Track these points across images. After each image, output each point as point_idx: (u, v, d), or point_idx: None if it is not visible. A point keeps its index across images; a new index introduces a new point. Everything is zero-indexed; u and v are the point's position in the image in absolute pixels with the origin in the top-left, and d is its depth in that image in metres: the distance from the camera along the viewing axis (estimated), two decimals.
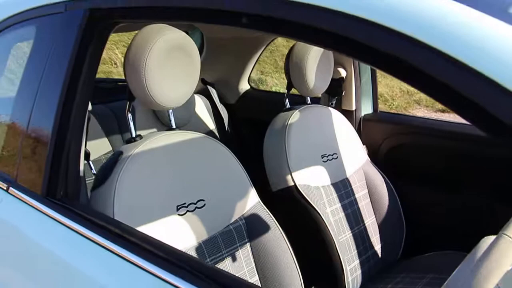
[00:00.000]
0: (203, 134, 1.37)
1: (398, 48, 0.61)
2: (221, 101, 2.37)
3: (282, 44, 8.85)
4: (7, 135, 1.16)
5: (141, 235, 0.88)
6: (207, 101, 2.29)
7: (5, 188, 1.08)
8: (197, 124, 2.16)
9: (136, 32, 1.17)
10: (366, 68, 2.00)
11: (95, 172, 1.49)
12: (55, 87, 1.04)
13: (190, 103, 2.14)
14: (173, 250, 0.85)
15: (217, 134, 2.29)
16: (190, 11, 0.86)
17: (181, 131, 1.34)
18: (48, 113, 1.04)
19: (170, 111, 1.39)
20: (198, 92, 2.33)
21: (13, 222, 1.04)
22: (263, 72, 8.70)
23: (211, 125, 2.26)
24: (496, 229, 0.61)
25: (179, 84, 1.22)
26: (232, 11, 0.76)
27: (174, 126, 1.38)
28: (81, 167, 1.07)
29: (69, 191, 1.02)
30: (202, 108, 2.25)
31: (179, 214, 1.21)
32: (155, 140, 1.24)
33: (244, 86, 2.50)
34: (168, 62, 1.17)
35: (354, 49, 0.66)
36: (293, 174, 1.61)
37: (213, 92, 2.34)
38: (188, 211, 1.23)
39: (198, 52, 1.27)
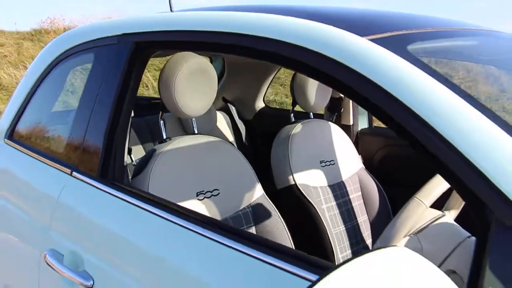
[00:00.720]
0: (220, 139, 1.73)
1: (305, 58, 0.98)
2: (239, 117, 2.73)
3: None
4: (70, 135, 1.53)
5: (175, 205, 1.22)
6: (227, 117, 2.65)
7: (69, 173, 1.45)
8: (218, 136, 2.52)
9: (167, 57, 1.55)
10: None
11: (135, 163, 1.85)
12: (108, 100, 1.41)
13: (212, 117, 2.50)
14: (206, 217, 1.18)
15: (235, 145, 2.64)
16: (204, 44, 1.23)
17: (202, 135, 1.70)
18: (103, 119, 1.41)
19: (193, 119, 1.75)
20: (219, 109, 2.69)
21: (75, 197, 1.40)
22: (277, 93, 9.03)
23: (230, 138, 2.61)
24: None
25: (200, 98, 1.58)
26: (226, 44, 1.14)
27: (196, 132, 1.74)
28: (125, 159, 1.43)
29: (117, 175, 1.38)
30: (222, 123, 2.60)
31: (198, 199, 1.55)
32: (181, 141, 1.60)
33: (259, 104, 2.86)
34: (191, 82, 1.54)
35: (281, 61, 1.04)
36: (294, 175, 1.94)
37: (233, 109, 2.71)
38: (205, 197, 1.57)
39: (215, 73, 1.64)
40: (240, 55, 1.14)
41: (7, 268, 1.64)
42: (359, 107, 2.35)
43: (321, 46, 0.97)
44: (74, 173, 1.43)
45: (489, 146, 0.77)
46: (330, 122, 2.22)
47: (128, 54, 1.40)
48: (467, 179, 0.77)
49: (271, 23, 1.08)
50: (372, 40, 0.95)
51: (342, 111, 2.34)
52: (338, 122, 2.36)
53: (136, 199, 1.26)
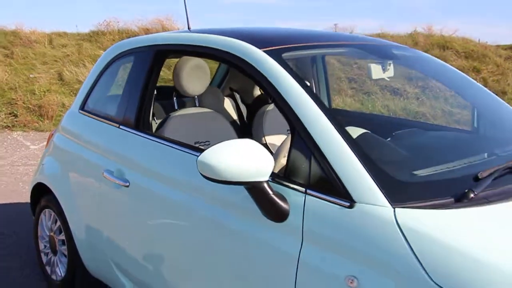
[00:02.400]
0: (213, 111, 2.70)
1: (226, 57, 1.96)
2: (242, 102, 3.69)
3: None
4: (118, 106, 2.54)
5: (182, 143, 2.18)
6: (233, 101, 3.61)
7: (117, 126, 2.47)
8: (226, 115, 3.49)
9: (177, 59, 2.55)
10: (322, 80, 3.24)
11: (157, 122, 2.82)
12: (140, 84, 2.41)
13: (220, 101, 3.46)
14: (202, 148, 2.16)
15: (238, 122, 3.60)
16: (186, 52, 2.24)
17: (201, 108, 2.68)
18: (136, 96, 2.41)
19: (196, 97, 2.73)
20: (227, 95, 3.66)
21: (120, 139, 2.42)
22: None
23: (234, 116, 3.58)
24: None
25: (197, 83, 2.57)
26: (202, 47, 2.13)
27: (197, 105, 2.73)
28: (150, 119, 2.42)
29: (145, 127, 2.36)
30: (229, 106, 3.57)
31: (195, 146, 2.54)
32: (186, 111, 2.59)
33: (257, 92, 3.80)
34: (191, 73, 2.53)
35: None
36: (265, 137, 2.90)
37: (237, 96, 3.67)
38: (200, 145, 2.55)
39: (208, 69, 2.62)
40: (198, 57, 2.15)
41: (84, 188, 2.68)
42: (321, 94, 3.26)
43: (231, 49, 1.95)
44: (121, 126, 2.45)
45: (312, 111, 1.68)
46: None
47: (152, 57, 2.40)
48: (297, 125, 1.69)
49: (213, 39, 2.09)
50: (264, 50, 1.90)
51: None
52: None
53: (157, 140, 2.24)
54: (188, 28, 2.66)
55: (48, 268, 3.08)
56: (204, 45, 2.14)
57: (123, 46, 2.70)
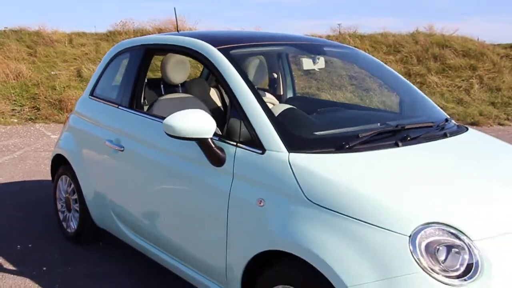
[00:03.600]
0: (193, 96, 3.40)
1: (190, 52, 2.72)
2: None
3: None
4: (118, 92, 3.27)
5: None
6: (218, 92, 4.33)
7: (116, 107, 3.21)
8: (211, 102, 4.19)
9: (163, 56, 3.28)
10: (287, 73, 3.93)
11: (147, 104, 3.53)
12: (133, 74, 3.15)
13: (206, 90, 4.17)
14: None
15: (222, 109, 4.31)
16: (164, 50, 2.98)
17: (183, 94, 3.39)
18: (131, 84, 3.15)
19: (179, 85, 3.44)
20: (213, 86, 4.37)
21: (118, 117, 3.15)
22: None
23: (218, 104, 4.29)
24: None
25: (178, 74, 3.28)
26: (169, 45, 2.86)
27: (180, 91, 3.44)
28: (141, 102, 3.15)
29: (137, 107, 3.10)
30: (214, 95, 4.28)
31: None
32: (169, 96, 3.31)
33: None
34: (174, 66, 3.25)
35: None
36: None
37: (221, 87, 4.38)
38: None
39: (188, 62, 3.33)
40: (174, 53, 2.89)
41: (92, 156, 3.42)
42: (287, 84, 3.95)
43: (189, 47, 2.67)
44: (120, 107, 3.18)
45: (244, 90, 2.39)
46: (267, 93, 3.84)
47: (143, 54, 3.14)
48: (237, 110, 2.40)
49: (183, 40, 2.82)
50: (218, 48, 2.60)
51: (276, 86, 3.95)
52: (275, 92, 3.96)
53: (145, 116, 2.97)
54: (177, 31, 3.38)
55: (64, 224, 3.84)
56: (177, 44, 2.88)
57: (122, 45, 3.45)
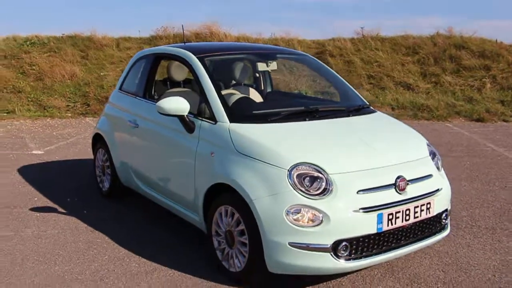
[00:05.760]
0: (191, 90, 4.68)
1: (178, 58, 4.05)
2: None
3: None
4: (136, 86, 4.61)
5: None
6: None
7: (134, 97, 4.54)
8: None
9: (167, 62, 4.60)
10: (267, 74, 5.14)
11: (157, 96, 4.84)
12: (146, 75, 4.47)
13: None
14: None
15: None
16: (169, 57, 4.28)
17: (184, 88, 4.68)
18: (144, 81, 4.47)
19: (181, 81, 4.74)
20: None
21: (138, 103, 4.47)
22: None
23: None
24: None
25: (179, 73, 4.58)
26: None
27: (182, 87, 4.74)
28: (152, 93, 4.47)
29: (149, 97, 4.42)
30: None
31: None
32: (175, 89, 4.59)
33: None
34: (176, 68, 4.54)
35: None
36: None
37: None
38: None
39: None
40: (171, 60, 4.18)
41: (119, 133, 4.77)
42: (268, 81, 5.16)
43: (179, 55, 3.98)
44: (137, 97, 4.52)
45: (208, 83, 3.65)
46: (251, 88, 5.07)
47: (153, 60, 4.46)
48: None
49: (174, 50, 4.16)
50: (197, 57, 3.87)
51: (258, 83, 5.16)
52: (258, 87, 5.17)
53: (153, 103, 4.28)
54: (184, 43, 4.67)
55: (100, 184, 5.23)
56: (172, 53, 4.18)
57: (140, 54, 4.80)
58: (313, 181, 2.95)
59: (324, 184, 2.95)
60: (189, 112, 3.56)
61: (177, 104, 3.50)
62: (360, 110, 3.91)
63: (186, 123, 3.57)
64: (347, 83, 4.37)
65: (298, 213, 2.88)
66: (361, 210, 2.92)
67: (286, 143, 3.18)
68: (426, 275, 3.36)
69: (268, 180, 2.99)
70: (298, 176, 2.95)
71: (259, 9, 32.74)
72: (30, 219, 4.51)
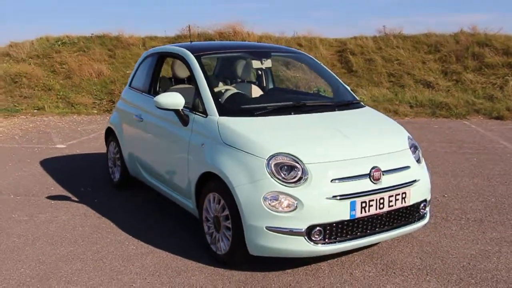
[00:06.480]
0: (192, 86, 4.96)
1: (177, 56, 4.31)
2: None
3: None
4: (143, 82, 4.92)
5: None
6: None
7: (141, 93, 4.85)
8: None
9: (171, 60, 4.89)
10: (268, 71, 5.37)
11: (161, 91, 5.14)
12: (151, 72, 4.78)
13: None
14: None
15: None
16: (167, 56, 4.57)
17: (187, 85, 4.96)
18: (150, 76, 4.78)
19: (185, 79, 5.02)
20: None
21: (144, 98, 4.77)
22: None
23: None
24: None
25: (182, 71, 4.86)
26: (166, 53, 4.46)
27: (186, 83, 5.02)
28: (157, 89, 4.77)
29: (153, 92, 4.71)
30: None
31: None
32: (178, 86, 4.88)
33: None
34: (179, 66, 4.82)
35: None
36: None
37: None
38: None
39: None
40: (173, 58, 4.46)
41: (127, 126, 5.09)
42: (270, 78, 5.39)
43: (179, 53, 4.25)
44: (143, 93, 4.83)
45: (202, 80, 3.91)
46: (253, 85, 5.31)
47: (158, 58, 4.76)
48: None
49: (174, 48, 4.42)
50: (194, 55, 4.14)
51: (261, 80, 5.39)
52: (260, 84, 5.40)
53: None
54: (190, 42, 4.96)
55: (112, 176, 5.57)
56: (173, 51, 4.46)
57: (147, 53, 5.11)
58: (290, 170, 3.17)
59: (300, 173, 3.16)
60: (185, 107, 3.83)
61: (172, 99, 3.78)
62: (349, 105, 4.09)
63: (181, 117, 3.84)
64: (340, 79, 4.56)
65: (275, 199, 3.11)
66: (334, 198, 3.13)
67: (267, 134, 3.41)
68: (403, 262, 3.53)
69: (249, 169, 3.23)
70: (276, 165, 3.18)
71: (284, 8, 33.05)
72: (45, 206, 4.88)
